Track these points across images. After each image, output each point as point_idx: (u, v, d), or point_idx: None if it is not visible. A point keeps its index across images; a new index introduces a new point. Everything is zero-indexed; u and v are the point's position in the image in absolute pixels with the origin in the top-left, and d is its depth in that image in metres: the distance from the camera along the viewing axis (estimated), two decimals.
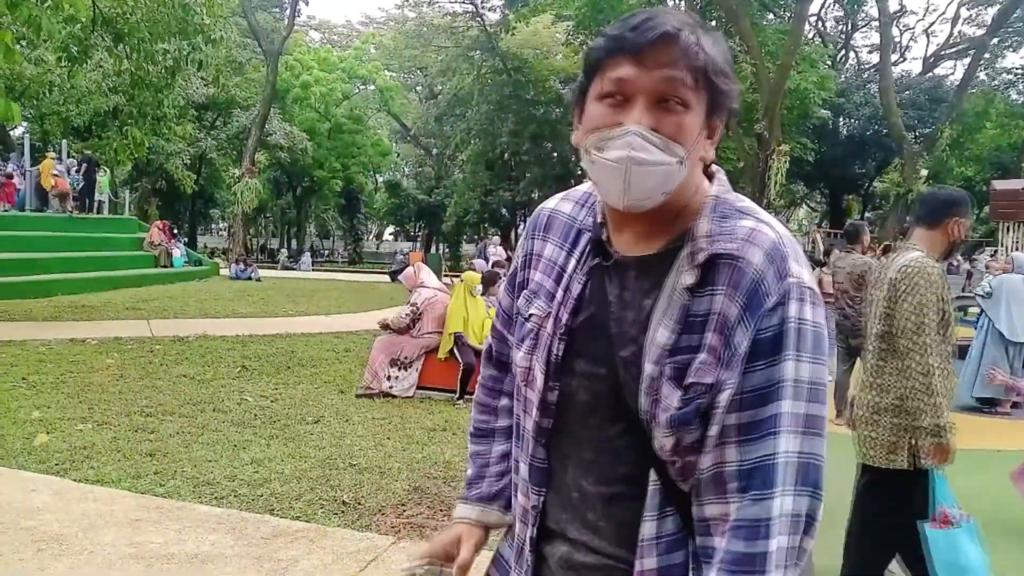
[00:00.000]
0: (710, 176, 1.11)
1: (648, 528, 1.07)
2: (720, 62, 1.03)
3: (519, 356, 1.18)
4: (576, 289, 1.13)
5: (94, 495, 4.00)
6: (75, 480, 4.22)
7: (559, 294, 1.15)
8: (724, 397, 1.01)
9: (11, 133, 26.83)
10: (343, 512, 3.95)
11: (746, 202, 1.10)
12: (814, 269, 14.77)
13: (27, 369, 7.10)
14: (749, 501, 1.00)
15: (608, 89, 1.02)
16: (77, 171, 20.38)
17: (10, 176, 19.11)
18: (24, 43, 14.11)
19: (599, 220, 1.14)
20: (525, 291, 1.22)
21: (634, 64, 1.00)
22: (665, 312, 1.04)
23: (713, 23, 24.34)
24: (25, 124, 27.26)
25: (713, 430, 1.02)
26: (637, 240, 1.10)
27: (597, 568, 1.13)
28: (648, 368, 1.04)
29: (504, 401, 1.36)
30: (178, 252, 20.44)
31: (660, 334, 1.04)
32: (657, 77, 0.99)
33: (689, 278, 1.03)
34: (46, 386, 6.48)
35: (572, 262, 1.16)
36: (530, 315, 1.18)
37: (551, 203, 1.26)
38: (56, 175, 18.70)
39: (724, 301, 1.01)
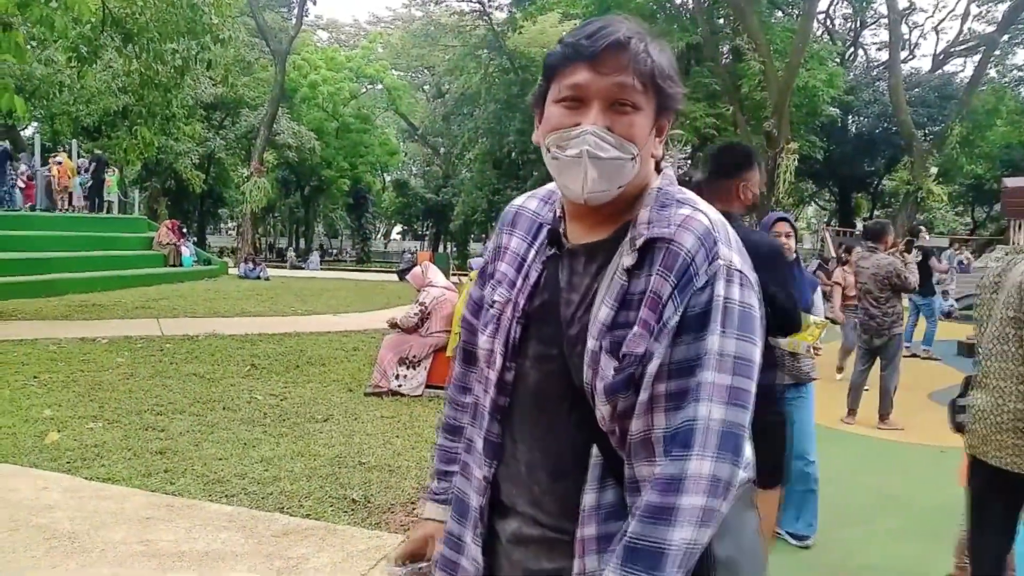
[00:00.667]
0: (659, 170, 1.20)
1: (589, 499, 1.14)
2: (666, 67, 1.13)
3: (483, 340, 1.27)
4: (533, 276, 1.23)
5: (105, 493, 4.02)
6: (86, 478, 4.24)
7: (519, 282, 1.24)
8: (652, 367, 1.08)
9: (22, 133, 26.96)
10: (353, 510, 3.96)
11: (687, 194, 1.18)
12: (834, 267, 14.50)
13: (38, 368, 7.13)
14: (668, 460, 1.06)
15: (565, 93, 1.12)
16: (87, 171, 20.50)
17: (31, 177, 19.27)
18: (34, 43, 14.21)
19: (558, 214, 1.24)
20: (491, 280, 1.30)
21: (589, 70, 1.10)
22: (607, 291, 1.13)
23: (720, 21, 24.32)
24: (35, 124, 27.42)
25: (643, 396, 1.09)
26: (589, 230, 1.19)
27: (542, 541, 1.20)
28: (590, 343, 1.12)
29: (469, 398, 1.41)
30: (187, 251, 20.53)
31: (602, 312, 1.12)
32: (610, 82, 1.09)
33: (628, 260, 1.12)
34: (57, 385, 6.52)
35: (532, 252, 1.26)
36: (493, 302, 1.27)
37: (519, 200, 1.37)
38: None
39: (657, 280, 1.09)
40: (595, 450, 1.14)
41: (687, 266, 1.08)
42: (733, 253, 1.12)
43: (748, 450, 1.21)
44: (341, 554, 3.39)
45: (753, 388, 1.09)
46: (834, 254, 25.73)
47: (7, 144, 19.26)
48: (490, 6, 32.10)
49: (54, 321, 10.49)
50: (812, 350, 3.61)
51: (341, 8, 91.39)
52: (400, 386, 6.75)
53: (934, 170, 23.02)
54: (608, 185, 1.11)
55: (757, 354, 1.10)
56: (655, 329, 1.09)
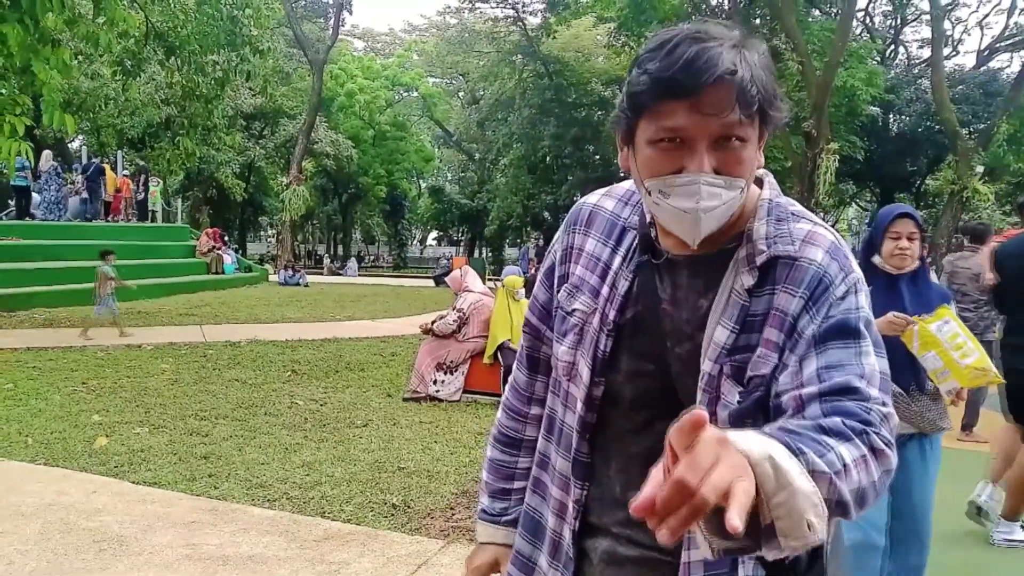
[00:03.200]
0: (759, 180, 1.11)
1: None
2: (771, 88, 1.01)
3: (562, 351, 1.19)
4: (623, 286, 1.14)
5: (152, 497, 4.10)
6: (133, 482, 4.33)
7: (605, 290, 1.15)
8: (787, 375, 1.00)
9: (69, 146, 27.74)
10: (392, 515, 3.98)
11: (797, 206, 1.12)
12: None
13: (87, 374, 7.32)
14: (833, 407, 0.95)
15: (663, 135, 0.99)
16: (135, 181, 21.08)
17: (118, 189, 19.97)
18: (80, 58, 14.61)
19: (648, 219, 1.14)
20: (566, 285, 1.21)
21: (689, 110, 0.96)
22: (723, 312, 1.05)
23: (757, 21, 24.05)
24: (82, 136, 28.18)
25: (783, 399, 1.00)
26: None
27: (641, 562, 1.13)
28: (707, 366, 1.05)
29: (535, 410, 1.33)
30: (229, 259, 20.91)
31: (719, 333, 1.05)
32: (715, 122, 0.97)
33: (748, 279, 1.05)
34: (105, 390, 6.68)
35: (617, 259, 1.16)
36: (573, 310, 1.18)
37: (592, 198, 1.26)
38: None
39: (783, 297, 1.03)
40: None
41: (819, 278, 1.02)
42: (857, 267, 1.07)
43: None
44: (382, 559, 3.41)
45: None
46: None
47: (96, 161, 20.00)
48: (524, 12, 32.18)
49: (102, 328, 10.74)
50: (956, 394, 2.83)
51: (377, 17, 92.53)
52: (438, 391, 6.78)
53: (980, 169, 22.41)
54: (718, 224, 1.03)
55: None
56: (786, 344, 1.02)
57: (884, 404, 0.97)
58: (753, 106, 0.98)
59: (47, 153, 18.50)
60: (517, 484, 1.34)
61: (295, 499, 4.14)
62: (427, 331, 7.11)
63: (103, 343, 9.12)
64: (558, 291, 1.23)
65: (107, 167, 20.77)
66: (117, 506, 3.94)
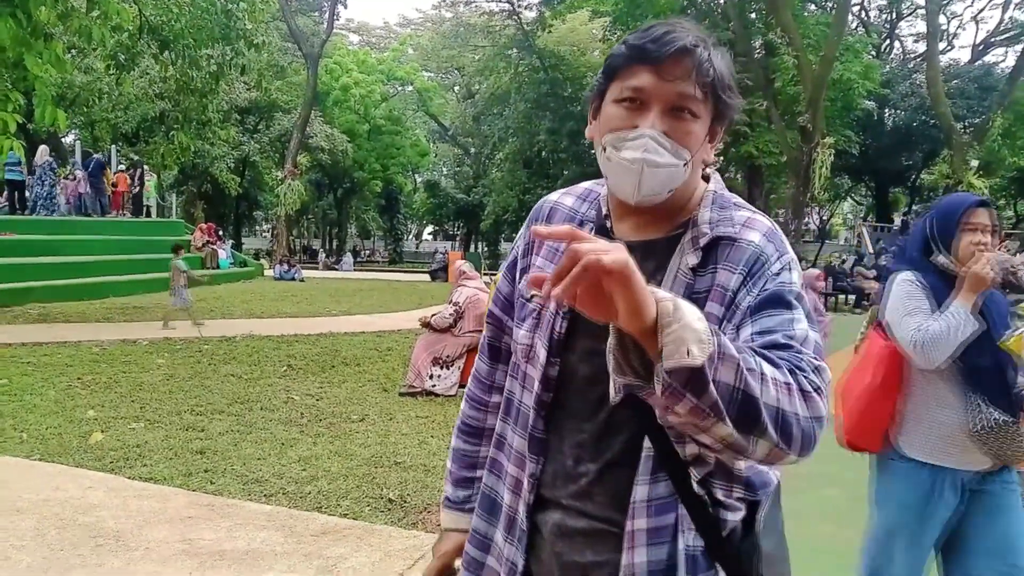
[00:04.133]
0: (707, 178, 1.23)
1: (640, 492, 1.14)
2: (727, 77, 1.14)
3: (521, 334, 1.26)
4: None
5: (148, 492, 4.10)
6: (129, 478, 4.32)
7: None
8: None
9: (63, 140, 27.61)
10: (389, 510, 3.99)
11: (739, 198, 1.23)
12: (871, 263, 14.32)
13: (82, 369, 7.30)
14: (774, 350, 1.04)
15: (626, 94, 1.13)
16: (131, 176, 21.02)
17: (115, 185, 19.92)
18: (74, 52, 14.53)
19: (604, 212, 1.25)
20: (526, 276, 1.27)
21: (652, 74, 1.11)
22: (670, 290, 1.12)
23: (752, 15, 24.02)
24: (76, 131, 28.05)
25: None
26: (638, 228, 1.21)
27: (589, 532, 1.19)
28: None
29: (496, 398, 1.39)
30: (224, 254, 20.85)
31: None
32: (672, 88, 1.10)
33: (693, 259, 1.15)
34: (100, 386, 6.66)
35: None
36: (532, 296, 1.25)
37: (553, 196, 1.36)
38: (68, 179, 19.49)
39: (724, 274, 1.12)
40: (647, 442, 1.14)
41: (757, 256, 1.12)
42: (789, 248, 1.17)
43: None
44: (379, 554, 3.41)
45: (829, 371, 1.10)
46: (871, 250, 25.32)
47: (99, 156, 19.95)
48: (519, 6, 32.07)
49: (96, 323, 10.72)
50: None
51: (372, 11, 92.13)
52: (434, 386, 6.78)
53: (975, 163, 22.46)
54: (660, 189, 1.13)
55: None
56: (723, 315, 1.10)
57: (816, 359, 1.05)
58: (708, 80, 1.11)
59: (43, 148, 18.41)
60: (479, 473, 1.39)
61: (291, 494, 4.14)
62: (425, 324, 7.10)
63: (98, 338, 9.09)
64: (519, 282, 1.32)
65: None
66: (113, 502, 3.93)
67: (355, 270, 31.49)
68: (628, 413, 1.14)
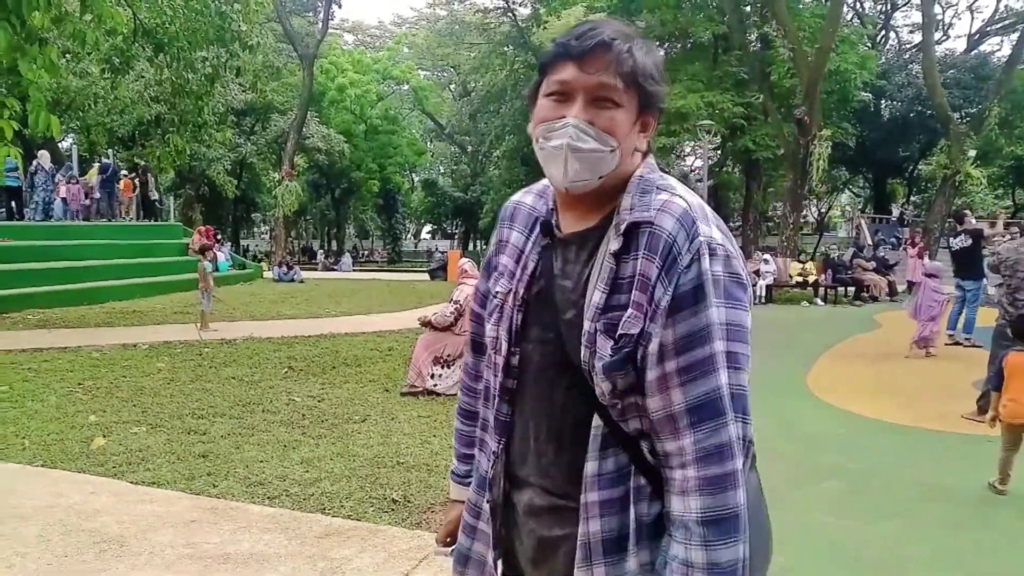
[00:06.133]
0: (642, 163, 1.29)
1: (591, 467, 1.23)
2: (649, 67, 1.22)
3: (488, 327, 1.38)
4: (531, 266, 1.33)
5: (151, 497, 4.10)
6: (132, 482, 4.32)
7: (518, 272, 1.34)
8: (653, 346, 1.17)
9: (59, 145, 27.56)
10: (393, 510, 3.98)
11: (668, 180, 1.26)
12: (869, 255, 14.23)
13: (82, 374, 7.29)
14: (704, 432, 1.15)
15: (553, 88, 1.22)
16: (134, 179, 21.06)
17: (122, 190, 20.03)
18: (69, 56, 14.51)
19: (551, 206, 1.34)
20: (495, 273, 1.41)
21: (575, 67, 1.20)
22: (598, 277, 1.21)
23: (747, 8, 23.99)
24: (72, 136, 28.01)
25: (651, 375, 1.17)
26: (579, 219, 1.28)
27: (552, 509, 1.30)
28: (586, 325, 1.21)
29: (481, 386, 1.51)
30: (222, 256, 20.83)
31: (596, 296, 1.21)
32: (593, 80, 1.19)
33: (615, 245, 1.20)
34: (101, 391, 6.65)
35: (529, 244, 1.35)
36: (496, 292, 1.37)
37: (517, 196, 1.46)
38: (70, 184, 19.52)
39: (644, 263, 1.18)
40: (596, 420, 1.23)
41: (670, 247, 1.16)
42: (712, 229, 1.19)
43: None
44: (383, 555, 3.41)
45: (747, 350, 1.19)
46: (870, 242, 25.31)
47: (112, 162, 19.97)
48: (514, 3, 32.05)
49: (96, 328, 10.71)
50: None
51: (366, 10, 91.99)
52: (435, 385, 6.77)
53: (972, 153, 22.44)
54: (588, 175, 1.20)
55: (748, 319, 1.19)
56: (647, 310, 1.17)
57: (723, 414, 1.16)
58: (627, 71, 1.19)
59: (44, 154, 18.37)
60: (476, 450, 1.52)
61: (295, 496, 4.14)
62: (426, 323, 7.10)
63: (98, 343, 9.08)
64: (490, 280, 1.43)
65: (95, 167, 20.70)
66: (116, 506, 3.93)
67: (354, 270, 31.47)
68: (576, 394, 1.25)
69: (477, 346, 1.54)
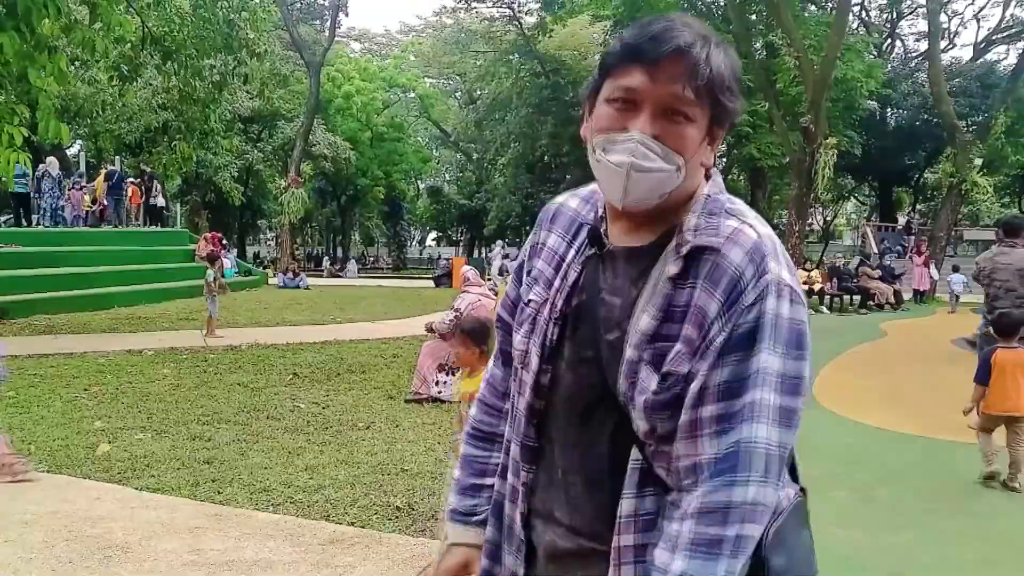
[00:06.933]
0: (709, 177, 1.16)
1: (627, 506, 1.09)
2: (727, 78, 1.09)
3: (517, 339, 1.24)
4: (572, 277, 1.19)
5: (155, 503, 4.09)
6: (136, 489, 4.32)
7: (557, 281, 1.21)
8: (695, 386, 1.05)
9: (67, 151, 27.70)
10: (397, 517, 3.98)
11: (737, 204, 1.14)
12: (875, 263, 14.13)
13: (88, 380, 7.31)
14: (714, 485, 1.02)
15: (618, 94, 1.09)
16: (140, 186, 21.18)
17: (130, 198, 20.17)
18: (77, 64, 14.60)
19: (600, 214, 1.21)
20: (527, 278, 1.28)
21: (645, 74, 1.06)
22: (649, 300, 1.09)
23: (753, 16, 24.03)
24: (80, 143, 28.14)
25: (685, 417, 1.05)
26: (631, 232, 1.15)
27: (577, 555, 1.16)
28: (629, 352, 1.09)
29: (509, 403, 1.34)
30: (228, 263, 20.87)
31: (643, 321, 1.09)
32: (664, 90, 1.06)
33: (673, 268, 1.08)
34: (106, 397, 6.67)
35: (571, 252, 1.22)
36: (529, 300, 1.24)
37: (560, 198, 1.33)
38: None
39: (703, 295, 1.06)
40: (635, 453, 1.10)
41: (735, 282, 1.04)
42: (783, 269, 1.07)
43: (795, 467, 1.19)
44: (387, 562, 3.40)
45: (802, 406, 1.06)
46: (875, 250, 25.25)
47: (118, 169, 20.10)
48: (520, 11, 32.16)
49: (102, 334, 10.74)
50: None
51: (372, 18, 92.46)
52: (440, 392, 6.77)
53: (978, 161, 22.42)
54: (648, 195, 1.09)
55: (807, 370, 1.07)
56: (699, 347, 1.05)
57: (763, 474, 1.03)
58: (701, 83, 1.05)
59: (52, 160, 18.46)
60: (489, 480, 1.33)
61: (299, 503, 4.14)
62: (431, 329, 7.10)
63: (104, 349, 9.10)
64: (522, 286, 1.30)
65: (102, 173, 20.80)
66: (121, 513, 3.93)
67: (359, 277, 31.51)
68: (612, 424, 1.12)
69: (506, 356, 1.35)
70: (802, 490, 1.24)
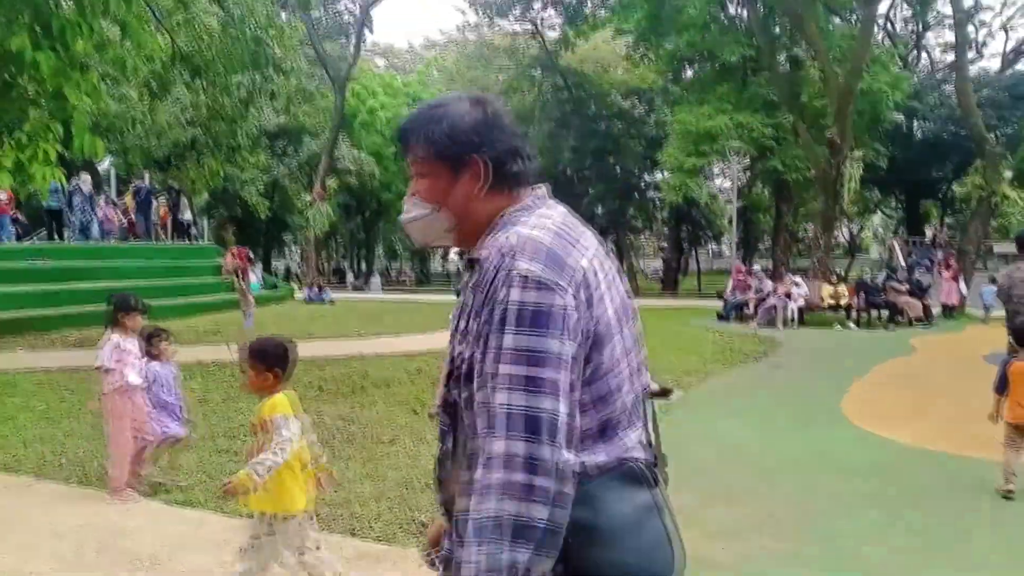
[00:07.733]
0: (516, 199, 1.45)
1: (464, 476, 1.35)
2: (438, 135, 1.42)
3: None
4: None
5: (183, 516, 4.13)
6: (165, 502, 4.37)
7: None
8: (467, 367, 1.34)
9: (98, 167, 28.20)
10: (422, 533, 3.97)
11: (530, 216, 1.39)
12: (903, 277, 13.79)
13: None
14: (479, 440, 1.28)
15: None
16: (168, 202, 21.50)
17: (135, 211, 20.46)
18: (109, 81, 14.90)
19: None
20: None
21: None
22: (464, 305, 1.40)
23: (777, 29, 23.94)
24: (110, 158, 28.63)
25: (467, 392, 1.36)
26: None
27: (442, 510, 1.53)
28: (449, 347, 1.43)
29: None
30: (255, 277, 21.09)
31: (461, 321, 1.40)
32: (409, 160, 1.48)
33: (467, 277, 1.41)
34: None
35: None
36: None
37: None
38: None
39: (477, 295, 1.33)
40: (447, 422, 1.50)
41: (490, 281, 1.30)
42: (532, 263, 1.28)
43: (632, 437, 1.38)
44: None
45: (549, 374, 1.25)
46: (903, 264, 24.91)
47: (147, 184, 20.45)
48: (542, 26, 32.32)
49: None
50: None
51: (397, 34, 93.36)
52: None
53: (1008, 174, 22.07)
54: (424, 236, 1.53)
55: (552, 344, 1.25)
56: (474, 334, 1.32)
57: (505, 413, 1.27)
58: (420, 148, 1.44)
59: (85, 176, 18.81)
60: None
61: (324, 517, 4.14)
62: None
63: None
64: None
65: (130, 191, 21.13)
66: (150, 526, 3.97)
67: (383, 291, 31.66)
68: (452, 409, 1.44)
69: None
70: (648, 474, 1.39)
